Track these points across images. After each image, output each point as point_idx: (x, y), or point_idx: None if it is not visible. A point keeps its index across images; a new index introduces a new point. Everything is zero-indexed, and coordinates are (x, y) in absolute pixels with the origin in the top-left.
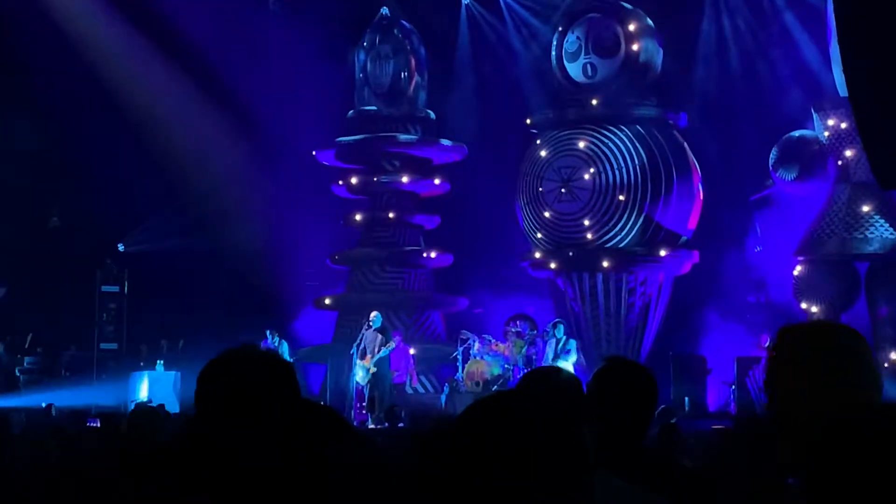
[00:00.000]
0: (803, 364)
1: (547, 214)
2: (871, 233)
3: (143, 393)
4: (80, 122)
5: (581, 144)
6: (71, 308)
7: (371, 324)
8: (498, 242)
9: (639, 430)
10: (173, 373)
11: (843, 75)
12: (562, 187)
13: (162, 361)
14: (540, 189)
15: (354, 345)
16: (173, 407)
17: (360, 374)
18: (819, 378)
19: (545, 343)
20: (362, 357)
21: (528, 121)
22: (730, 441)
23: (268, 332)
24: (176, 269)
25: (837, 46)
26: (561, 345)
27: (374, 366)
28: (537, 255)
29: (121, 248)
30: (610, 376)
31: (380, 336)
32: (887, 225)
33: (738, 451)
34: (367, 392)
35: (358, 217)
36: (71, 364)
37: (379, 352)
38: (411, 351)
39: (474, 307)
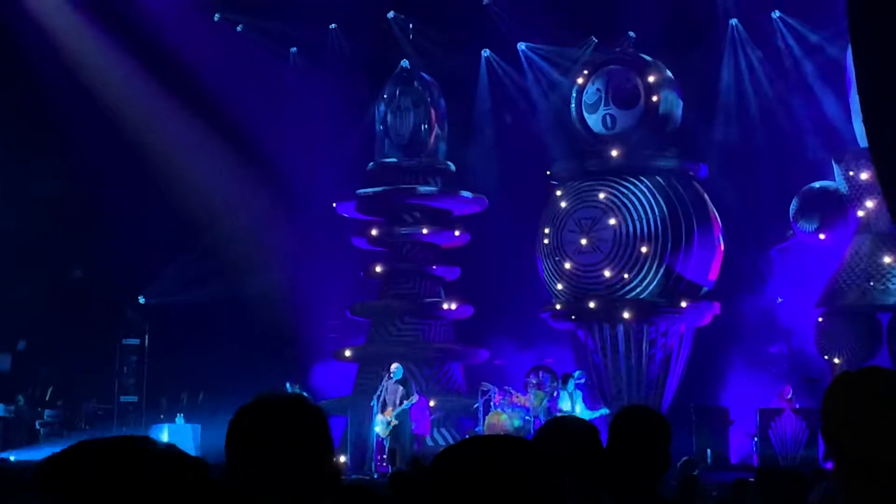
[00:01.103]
0: (862, 408)
1: (567, 265)
2: (893, 283)
3: None
4: (102, 174)
5: (601, 196)
6: (91, 360)
7: (392, 375)
8: (518, 293)
9: (654, 476)
10: (193, 426)
11: (863, 126)
12: (582, 238)
13: (182, 414)
14: (561, 240)
15: (375, 396)
16: None
17: (381, 426)
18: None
19: (558, 396)
20: (383, 409)
21: (549, 172)
22: (751, 493)
23: (287, 384)
24: (196, 320)
25: (857, 97)
26: (574, 398)
27: (396, 418)
28: (558, 306)
29: (142, 300)
30: (622, 424)
31: (401, 388)
32: None
33: (759, 502)
34: (387, 444)
35: (378, 268)
36: (91, 417)
37: (401, 404)
38: (431, 403)
39: (495, 359)
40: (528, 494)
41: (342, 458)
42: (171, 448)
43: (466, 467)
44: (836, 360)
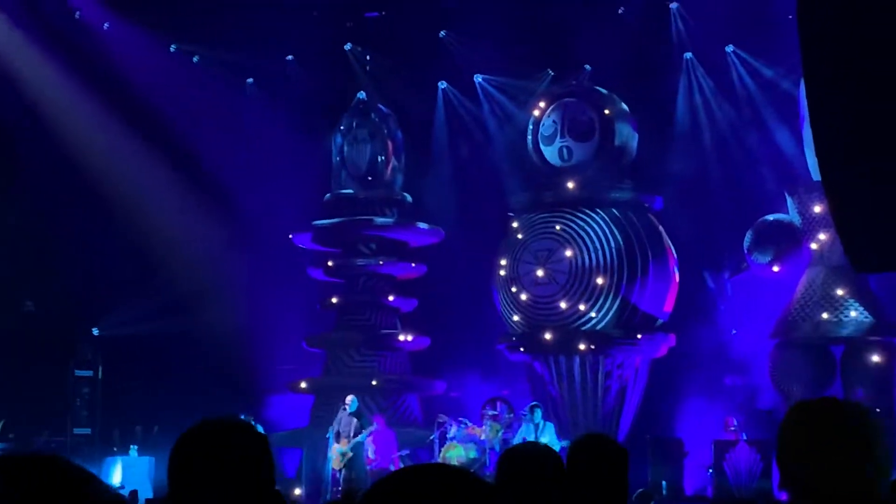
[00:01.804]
0: (818, 438)
1: (523, 297)
2: (846, 316)
3: (116, 478)
4: (56, 205)
5: (558, 227)
6: (44, 393)
7: (347, 407)
8: (475, 325)
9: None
10: (147, 458)
11: (815, 159)
12: (538, 270)
13: (136, 447)
14: (517, 272)
15: (330, 429)
16: (147, 492)
17: (336, 457)
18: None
19: (521, 427)
20: (337, 440)
21: (509, 212)
22: None
23: (242, 416)
24: (151, 352)
25: (810, 130)
26: (540, 429)
27: (351, 450)
28: (514, 338)
29: (95, 331)
30: (580, 452)
31: (355, 420)
32: (861, 308)
33: None
34: (341, 476)
35: (334, 300)
36: (44, 450)
37: (356, 436)
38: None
39: (451, 390)
40: None
41: (297, 491)
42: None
43: (393, 500)
44: (791, 393)
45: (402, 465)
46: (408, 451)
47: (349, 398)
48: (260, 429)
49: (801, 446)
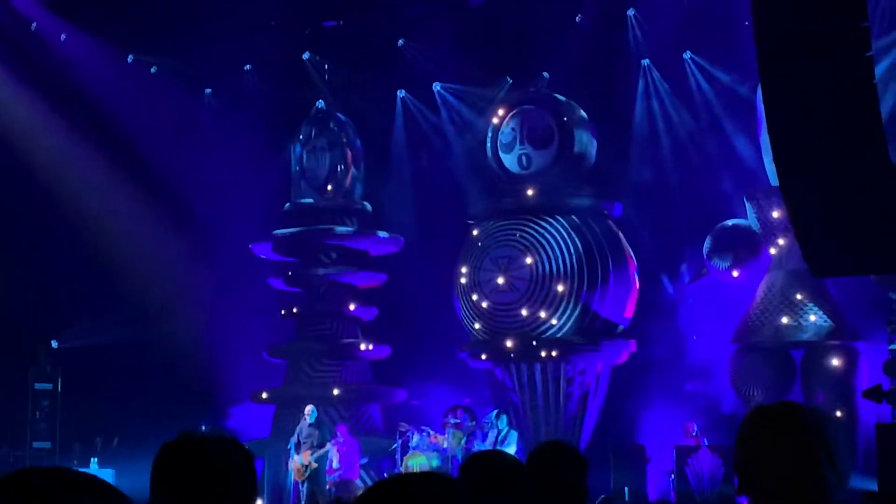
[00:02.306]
0: (776, 442)
1: (484, 304)
2: (805, 320)
3: None
4: (11, 217)
5: (517, 234)
6: (2, 406)
7: (307, 418)
8: (436, 333)
9: None
10: (108, 470)
11: (773, 165)
12: (499, 277)
13: (96, 459)
14: (477, 279)
15: (291, 439)
16: None
17: (298, 468)
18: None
19: (485, 434)
20: (297, 451)
21: (469, 221)
22: None
23: (203, 427)
24: (111, 364)
25: (767, 136)
26: (502, 435)
27: (315, 461)
28: (475, 345)
29: (54, 344)
30: (540, 459)
31: (316, 431)
32: (821, 312)
33: None
34: (303, 487)
35: (295, 309)
36: (2, 463)
37: (320, 447)
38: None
39: (413, 399)
40: None
41: (259, 502)
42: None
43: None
44: (752, 397)
45: (362, 473)
46: (366, 460)
47: (308, 408)
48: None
49: (759, 450)
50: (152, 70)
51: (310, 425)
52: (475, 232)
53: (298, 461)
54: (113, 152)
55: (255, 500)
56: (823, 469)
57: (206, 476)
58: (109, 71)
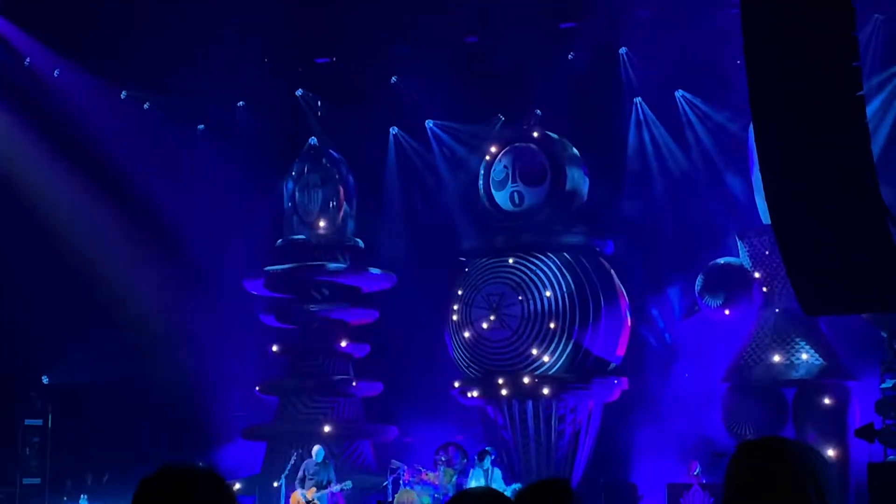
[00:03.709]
0: (764, 477)
1: (476, 342)
2: (797, 359)
3: None
4: (4, 251)
5: (508, 272)
6: None
7: (314, 457)
8: (427, 370)
9: None
10: None
11: (765, 203)
12: (491, 315)
13: (86, 496)
14: (469, 317)
15: (283, 475)
16: None
17: (300, 501)
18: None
19: (471, 471)
20: (302, 485)
21: (460, 257)
22: None
23: (200, 463)
24: (101, 401)
25: (759, 175)
26: (490, 475)
27: (318, 499)
28: (466, 382)
29: (45, 380)
30: (532, 496)
31: (323, 470)
32: (812, 351)
33: None
34: None
35: (287, 346)
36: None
37: (325, 486)
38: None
39: (404, 436)
40: None
41: None
42: None
43: None
44: (743, 435)
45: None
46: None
47: (315, 448)
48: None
49: (747, 485)
50: (145, 106)
51: (316, 464)
52: (467, 269)
53: (301, 495)
54: (105, 188)
55: None
56: (812, 502)
57: None
58: (102, 106)
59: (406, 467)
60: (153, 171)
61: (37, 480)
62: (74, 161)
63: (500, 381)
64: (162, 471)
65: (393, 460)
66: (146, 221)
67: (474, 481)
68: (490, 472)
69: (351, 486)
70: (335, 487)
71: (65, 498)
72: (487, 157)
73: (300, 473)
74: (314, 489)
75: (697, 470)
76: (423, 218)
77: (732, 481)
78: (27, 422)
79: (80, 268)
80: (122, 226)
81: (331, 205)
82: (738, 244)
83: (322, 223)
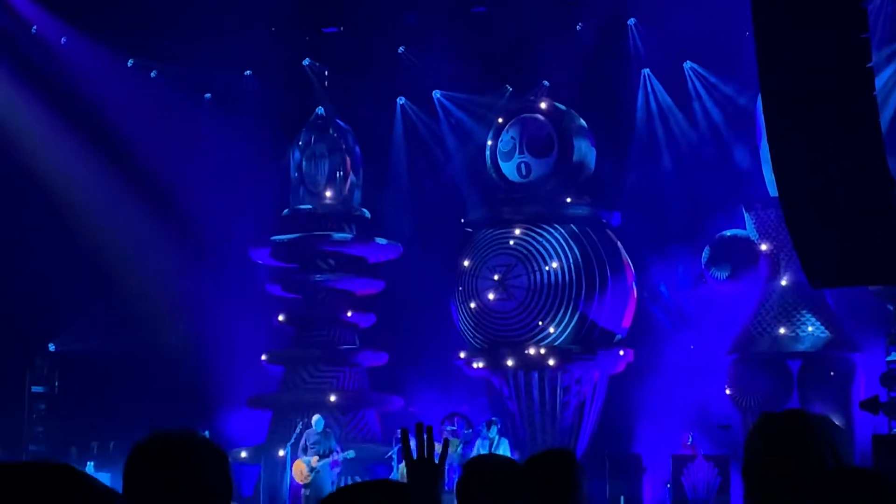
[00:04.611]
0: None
1: (482, 312)
2: (803, 331)
3: None
4: (8, 220)
5: (514, 243)
6: None
7: (313, 426)
8: (433, 340)
9: None
10: (105, 474)
11: (772, 175)
12: (497, 286)
13: (93, 463)
14: (475, 287)
15: (289, 444)
16: None
17: (303, 469)
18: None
19: (476, 441)
20: (305, 452)
21: (463, 220)
22: None
23: (206, 433)
24: (107, 368)
25: (767, 147)
26: (494, 445)
27: (320, 468)
28: (472, 352)
29: (51, 347)
30: (538, 466)
31: (323, 439)
32: (818, 323)
33: None
34: (304, 492)
35: (293, 316)
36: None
37: (325, 454)
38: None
39: (409, 406)
40: None
41: None
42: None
43: None
44: (748, 407)
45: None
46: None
47: (315, 417)
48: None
49: (767, 455)
50: (152, 75)
51: (317, 433)
52: (473, 240)
53: (305, 461)
54: (111, 156)
55: (229, 500)
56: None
57: (176, 475)
58: (109, 75)
59: (412, 437)
60: (160, 140)
61: (42, 448)
62: (81, 130)
63: (506, 351)
64: (154, 435)
65: (399, 430)
66: (152, 190)
67: (480, 451)
68: (496, 441)
69: (353, 455)
70: (339, 456)
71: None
72: (494, 128)
73: (301, 442)
74: (317, 458)
75: (690, 440)
76: (429, 188)
77: (753, 451)
78: (33, 389)
79: (86, 236)
80: (128, 194)
81: (337, 175)
82: (745, 216)
83: (329, 193)
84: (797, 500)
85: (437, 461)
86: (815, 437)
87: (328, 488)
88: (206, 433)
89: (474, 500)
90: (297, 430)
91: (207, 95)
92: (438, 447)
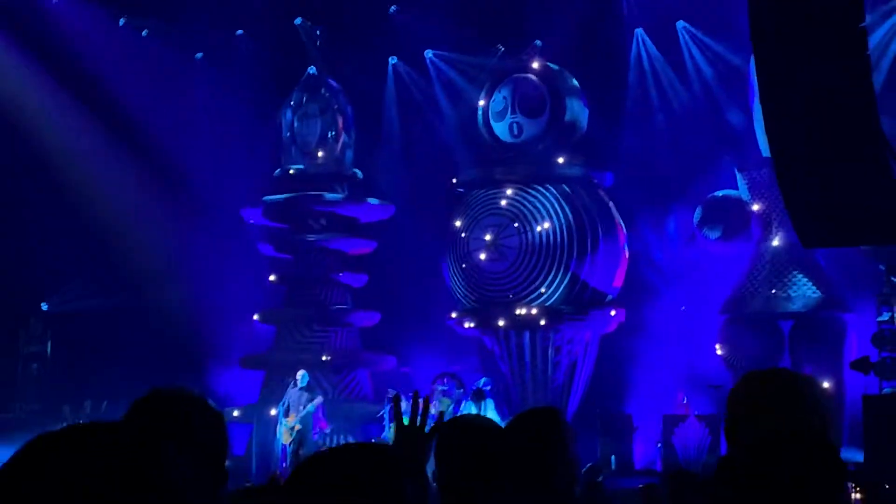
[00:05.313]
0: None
1: (474, 272)
2: (794, 291)
3: None
4: (3, 180)
5: (506, 203)
6: None
7: (297, 382)
8: (425, 301)
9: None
10: None
11: (765, 135)
12: (489, 246)
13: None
14: (467, 247)
15: (280, 404)
16: None
17: (286, 432)
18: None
19: (464, 401)
20: (287, 415)
21: (455, 180)
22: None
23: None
24: (100, 328)
25: (760, 107)
26: (483, 406)
27: (300, 422)
28: (463, 313)
29: (45, 307)
30: (524, 425)
31: (306, 395)
32: (810, 283)
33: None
34: (290, 450)
35: (285, 275)
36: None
37: (305, 409)
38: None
39: (401, 366)
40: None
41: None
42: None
43: (316, 481)
44: (739, 367)
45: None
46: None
47: (300, 373)
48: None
49: (751, 414)
50: (144, 34)
51: (300, 389)
52: (466, 200)
53: (286, 425)
54: (103, 115)
55: (223, 459)
56: (816, 429)
57: (176, 432)
58: (100, 33)
59: (403, 397)
60: (152, 99)
61: (35, 406)
62: (73, 88)
63: (497, 311)
64: (153, 393)
65: (389, 389)
66: (145, 149)
67: (468, 411)
68: (484, 402)
69: (322, 400)
70: (311, 406)
71: (64, 424)
72: (486, 88)
73: (285, 402)
74: (294, 415)
75: (685, 399)
76: (421, 148)
77: (736, 409)
78: (26, 349)
79: (79, 196)
80: (121, 154)
81: (329, 135)
82: (738, 176)
83: (320, 153)
84: (778, 460)
85: (427, 431)
86: (799, 396)
87: (312, 439)
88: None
89: (452, 462)
90: (288, 391)
91: (199, 55)
92: (435, 408)
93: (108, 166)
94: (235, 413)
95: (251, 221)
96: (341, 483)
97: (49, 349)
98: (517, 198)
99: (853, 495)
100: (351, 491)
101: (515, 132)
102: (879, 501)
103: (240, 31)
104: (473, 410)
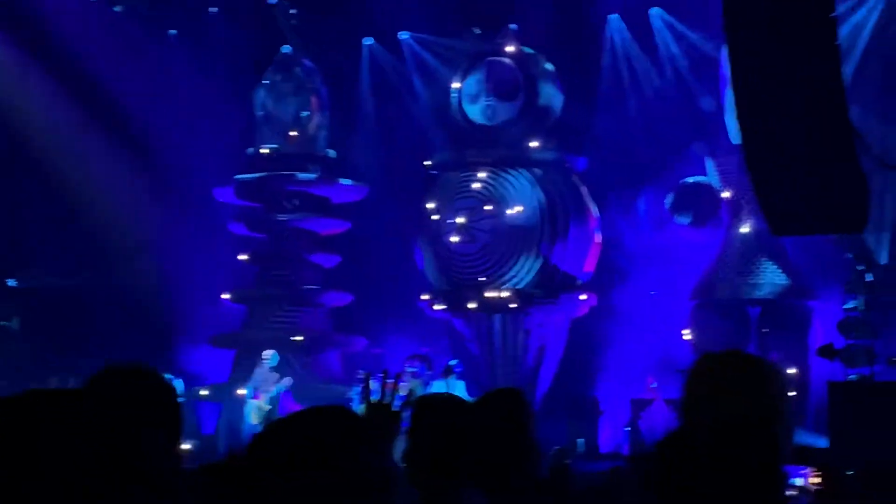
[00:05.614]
0: (711, 383)
1: (445, 254)
2: (763, 278)
3: None
4: None
5: (480, 186)
6: None
7: (266, 362)
8: (397, 282)
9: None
10: None
11: (736, 123)
12: (461, 228)
13: None
14: (439, 230)
15: (249, 384)
16: None
17: (254, 413)
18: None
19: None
20: (255, 395)
21: (428, 162)
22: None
23: (168, 376)
24: (68, 304)
25: (731, 94)
26: (451, 386)
27: (269, 403)
28: (435, 295)
29: (11, 283)
30: (483, 404)
31: (275, 374)
32: (778, 270)
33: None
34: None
35: (256, 255)
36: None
37: (273, 389)
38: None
39: (372, 347)
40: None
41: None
42: None
43: (276, 450)
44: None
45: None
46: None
47: (268, 353)
48: (181, 388)
49: (706, 395)
50: (116, 9)
51: (270, 369)
52: (438, 182)
53: (255, 405)
54: (74, 91)
55: (178, 434)
56: (770, 414)
57: (122, 408)
58: (72, 8)
59: (373, 378)
60: (123, 76)
61: (2, 382)
62: (42, 63)
63: (468, 293)
64: (107, 369)
65: (360, 371)
66: (116, 126)
67: (438, 390)
68: (452, 384)
69: (291, 381)
70: (280, 386)
71: None
72: (461, 71)
73: (254, 383)
74: (263, 395)
75: (654, 384)
76: (395, 130)
77: (692, 390)
78: None
79: (47, 171)
80: (91, 130)
81: (303, 114)
82: (708, 163)
83: (294, 133)
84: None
85: (397, 409)
86: (754, 377)
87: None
88: (169, 376)
89: (422, 439)
90: (256, 370)
91: (172, 31)
92: (404, 388)
93: (80, 142)
94: (204, 392)
95: (223, 200)
96: (303, 450)
97: (15, 325)
98: (489, 181)
99: (811, 479)
100: (313, 458)
101: (489, 115)
102: (840, 487)
103: (213, 9)
104: (443, 388)
